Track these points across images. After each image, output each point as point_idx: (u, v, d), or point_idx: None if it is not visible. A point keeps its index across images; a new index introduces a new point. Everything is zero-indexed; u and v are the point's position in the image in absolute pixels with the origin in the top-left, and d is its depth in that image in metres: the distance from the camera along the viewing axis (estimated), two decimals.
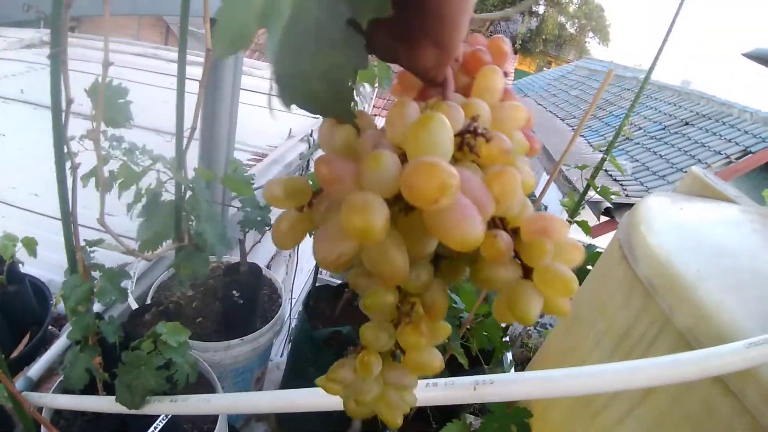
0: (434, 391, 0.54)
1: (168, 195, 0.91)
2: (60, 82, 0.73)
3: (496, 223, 0.24)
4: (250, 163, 2.16)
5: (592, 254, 1.10)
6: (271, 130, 2.71)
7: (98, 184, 0.80)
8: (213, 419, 1.06)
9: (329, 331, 1.24)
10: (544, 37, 17.76)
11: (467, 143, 0.23)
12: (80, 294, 0.73)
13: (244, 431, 1.51)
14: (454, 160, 0.23)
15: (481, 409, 1.43)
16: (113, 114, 0.69)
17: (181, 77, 0.84)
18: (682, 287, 0.65)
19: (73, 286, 0.74)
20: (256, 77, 3.58)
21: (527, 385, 0.50)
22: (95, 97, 0.68)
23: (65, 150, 0.76)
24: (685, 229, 0.82)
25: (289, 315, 1.84)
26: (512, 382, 0.51)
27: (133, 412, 0.77)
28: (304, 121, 2.93)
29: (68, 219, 0.79)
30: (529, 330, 3.17)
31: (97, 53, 3.24)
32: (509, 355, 1.38)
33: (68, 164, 0.76)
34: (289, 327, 1.90)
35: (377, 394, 0.28)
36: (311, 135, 2.64)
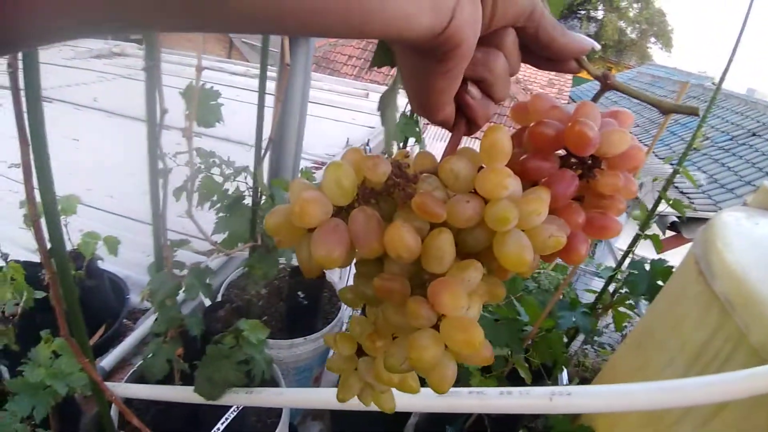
0: (508, 399, 0.55)
1: (247, 199, 0.97)
2: (155, 93, 0.80)
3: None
4: (312, 169, 2.23)
5: (663, 269, 1.07)
6: (330, 139, 2.78)
7: (179, 191, 0.86)
8: (276, 414, 1.10)
9: None
10: (603, 42, 17.20)
11: None
12: (168, 289, 0.79)
13: (301, 429, 1.55)
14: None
15: (541, 427, 1.41)
16: (205, 114, 0.74)
17: (262, 92, 0.90)
18: (758, 303, 0.64)
19: (162, 281, 0.80)
20: (315, 89, 3.69)
21: (606, 398, 0.50)
22: (189, 99, 0.73)
23: (159, 155, 0.82)
24: (761, 244, 0.80)
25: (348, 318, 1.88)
26: (590, 394, 0.51)
27: (209, 402, 0.82)
28: (361, 131, 3.00)
29: (158, 220, 0.85)
30: (585, 348, 3.06)
31: (169, 66, 3.45)
32: (565, 373, 1.35)
33: (160, 169, 0.83)
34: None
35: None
36: (367, 144, 2.70)
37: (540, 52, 0.31)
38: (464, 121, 0.32)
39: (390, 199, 0.29)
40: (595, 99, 0.33)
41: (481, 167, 0.29)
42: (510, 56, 0.31)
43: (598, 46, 0.36)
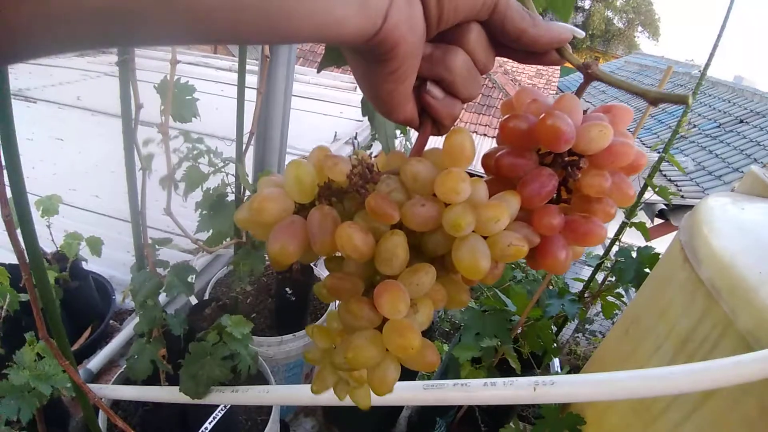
0: (493, 391, 0.54)
1: (230, 196, 0.95)
2: (129, 87, 0.78)
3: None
4: None
5: (650, 256, 1.07)
6: (319, 132, 2.76)
7: (164, 182, 0.85)
8: (266, 412, 1.10)
9: None
10: (590, 32, 17.24)
11: None
12: (149, 288, 0.78)
13: (293, 425, 1.55)
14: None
15: (532, 416, 1.41)
16: (181, 109, 0.73)
17: (241, 86, 0.88)
18: (744, 289, 0.64)
19: (143, 281, 0.79)
20: (302, 83, 3.65)
21: (590, 386, 0.49)
22: (164, 93, 0.72)
23: (135, 152, 0.81)
24: (747, 230, 0.80)
25: None
26: (574, 383, 0.50)
27: (195, 401, 0.81)
28: (349, 125, 2.98)
29: (137, 218, 0.84)
30: (577, 337, 3.08)
31: (151, 62, 3.40)
32: (557, 362, 1.36)
33: (137, 166, 0.81)
34: None
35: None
36: (355, 137, 2.68)
37: (513, 46, 0.30)
38: (429, 121, 0.31)
39: (355, 198, 0.29)
40: (578, 92, 0.31)
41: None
42: (474, 52, 0.30)
43: (581, 33, 0.34)
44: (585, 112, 0.31)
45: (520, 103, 0.32)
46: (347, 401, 0.33)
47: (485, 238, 0.27)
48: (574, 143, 0.28)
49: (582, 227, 0.29)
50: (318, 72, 0.48)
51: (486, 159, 0.31)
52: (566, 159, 0.29)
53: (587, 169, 0.29)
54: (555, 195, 0.30)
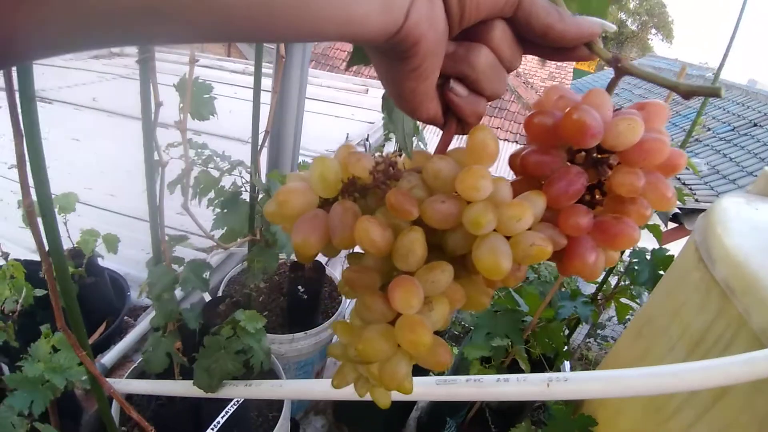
0: (506, 387, 0.54)
1: (244, 195, 0.97)
2: (149, 86, 0.79)
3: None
4: None
5: (665, 258, 1.07)
6: (330, 134, 2.78)
7: (182, 177, 0.86)
8: (277, 408, 1.10)
9: None
10: (604, 35, 17.08)
11: None
12: (165, 282, 0.79)
13: (303, 424, 1.56)
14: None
15: (544, 420, 1.41)
16: (199, 107, 0.74)
17: (257, 87, 0.89)
18: (758, 288, 0.63)
19: (159, 275, 0.80)
20: (315, 85, 3.68)
21: (603, 383, 0.49)
22: (183, 91, 0.73)
23: (154, 149, 0.82)
24: (762, 229, 0.80)
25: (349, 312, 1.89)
26: (588, 380, 0.50)
27: (209, 395, 0.82)
28: (361, 127, 2.99)
29: (155, 213, 0.85)
30: (589, 341, 3.06)
31: (165, 65, 3.45)
32: (567, 365, 1.35)
33: (156, 163, 0.83)
34: None
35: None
36: (367, 139, 2.69)
37: (540, 42, 0.30)
38: (454, 120, 0.31)
39: (378, 195, 0.29)
40: (609, 88, 0.30)
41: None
42: (499, 50, 0.29)
43: (611, 27, 0.34)
44: (617, 110, 0.29)
45: (548, 100, 0.31)
46: (366, 396, 0.33)
47: (508, 238, 0.27)
48: (602, 138, 0.27)
49: (613, 228, 0.28)
50: (346, 69, 0.49)
51: (513, 158, 0.31)
52: (595, 156, 0.28)
53: (618, 167, 0.27)
54: (588, 197, 0.29)
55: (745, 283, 0.65)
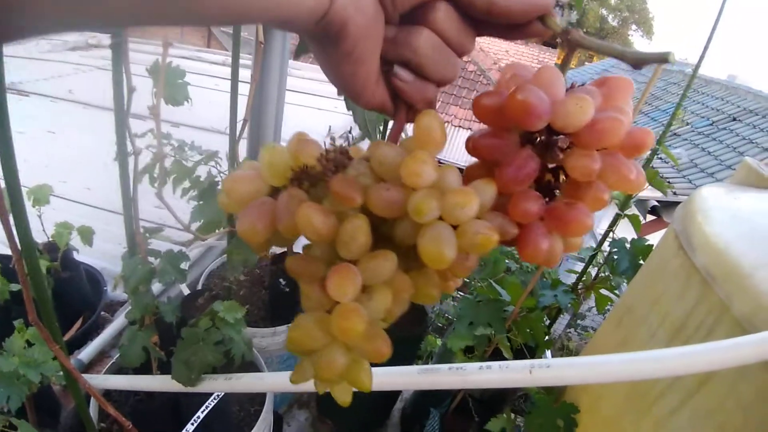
0: (488, 374, 0.54)
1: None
2: (122, 72, 0.77)
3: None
4: None
5: (644, 248, 1.08)
6: (313, 126, 2.75)
7: (152, 167, 0.84)
8: (259, 402, 1.09)
9: None
10: (585, 30, 17.23)
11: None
12: (141, 274, 0.77)
13: (287, 417, 1.54)
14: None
15: (526, 409, 1.42)
16: (173, 93, 0.73)
17: (235, 74, 0.88)
18: (740, 275, 0.64)
19: (134, 267, 0.78)
20: (297, 77, 3.64)
21: (586, 368, 0.49)
22: (156, 76, 0.71)
23: (127, 137, 0.80)
24: (741, 218, 0.80)
25: None
26: (570, 366, 0.50)
27: (188, 389, 0.80)
28: (344, 119, 2.97)
29: (129, 204, 0.83)
30: (569, 332, 3.10)
31: (141, 56, 3.37)
32: (549, 354, 1.36)
33: (129, 150, 0.80)
34: None
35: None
36: (350, 132, 2.67)
37: (488, 20, 0.29)
38: (404, 107, 0.31)
39: (327, 183, 0.29)
40: (563, 64, 0.30)
41: None
42: (444, 32, 0.28)
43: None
44: (573, 86, 0.29)
45: (504, 79, 0.30)
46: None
47: (455, 228, 0.26)
48: (550, 119, 0.26)
49: (565, 215, 0.27)
50: (294, 59, 0.48)
51: (467, 142, 0.30)
52: (546, 139, 0.26)
53: (573, 150, 0.26)
54: (549, 181, 0.28)
55: (727, 270, 0.66)
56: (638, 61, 0.27)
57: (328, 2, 0.25)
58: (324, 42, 0.27)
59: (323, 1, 0.24)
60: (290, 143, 0.29)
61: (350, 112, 0.71)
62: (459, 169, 0.28)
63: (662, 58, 0.26)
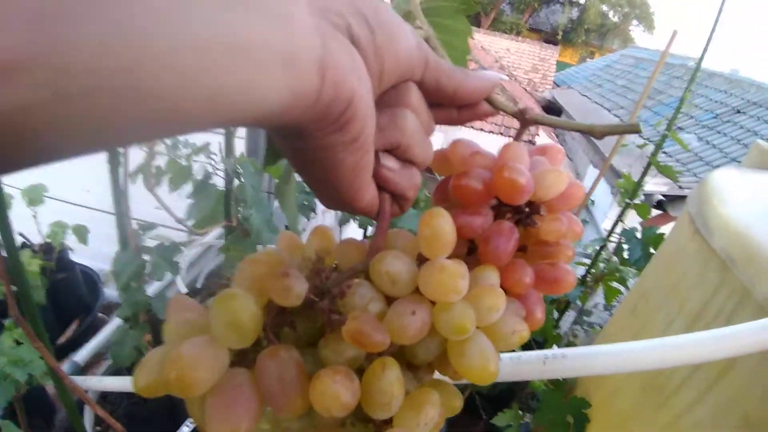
0: (500, 366, 0.50)
1: (218, 182, 0.92)
2: None
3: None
4: None
5: (655, 237, 1.04)
6: None
7: (145, 166, 0.81)
8: None
9: None
10: (586, 27, 17.23)
11: None
12: (133, 270, 0.74)
13: None
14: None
15: (534, 407, 1.38)
16: None
17: None
18: (763, 257, 0.60)
19: (125, 262, 0.75)
20: None
21: (604, 358, 0.45)
22: None
23: None
24: (757, 199, 0.77)
25: None
26: (587, 355, 0.46)
27: None
28: None
29: (119, 198, 0.80)
30: (576, 329, 3.07)
31: None
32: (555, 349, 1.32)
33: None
34: None
35: None
36: None
37: (448, 103, 0.28)
38: (388, 200, 0.26)
39: (310, 315, 0.22)
40: (517, 136, 0.30)
41: (420, 257, 0.25)
42: (419, 113, 0.26)
43: (505, 78, 0.32)
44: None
45: (457, 155, 0.30)
46: None
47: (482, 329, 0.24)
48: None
49: (550, 275, 0.29)
50: (264, 169, 0.43)
51: (436, 194, 0.31)
52: (525, 210, 0.28)
53: (545, 216, 0.28)
54: (520, 246, 0.30)
55: (748, 253, 0.62)
56: (605, 134, 0.29)
57: (318, 78, 0.18)
58: (321, 133, 0.21)
59: (310, 79, 0.18)
60: (253, 276, 0.22)
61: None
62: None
63: (632, 129, 0.28)
